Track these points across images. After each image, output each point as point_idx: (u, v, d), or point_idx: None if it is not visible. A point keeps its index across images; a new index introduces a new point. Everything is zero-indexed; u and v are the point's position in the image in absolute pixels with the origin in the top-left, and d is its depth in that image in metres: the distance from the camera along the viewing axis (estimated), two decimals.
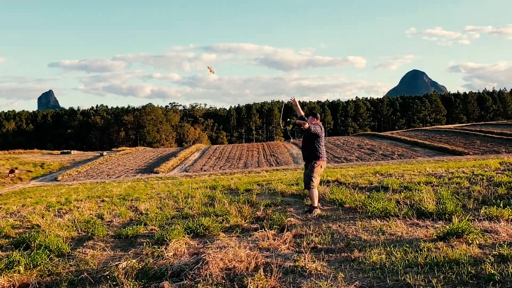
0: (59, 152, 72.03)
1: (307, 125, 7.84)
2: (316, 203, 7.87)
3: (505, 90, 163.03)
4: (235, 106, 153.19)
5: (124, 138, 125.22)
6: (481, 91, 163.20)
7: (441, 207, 6.88)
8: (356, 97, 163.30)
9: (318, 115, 8.38)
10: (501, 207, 6.59)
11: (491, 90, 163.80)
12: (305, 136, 8.20)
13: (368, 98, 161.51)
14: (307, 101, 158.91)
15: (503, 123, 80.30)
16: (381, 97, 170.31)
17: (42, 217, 9.23)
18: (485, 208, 6.65)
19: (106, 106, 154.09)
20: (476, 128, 68.85)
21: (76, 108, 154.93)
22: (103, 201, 12.06)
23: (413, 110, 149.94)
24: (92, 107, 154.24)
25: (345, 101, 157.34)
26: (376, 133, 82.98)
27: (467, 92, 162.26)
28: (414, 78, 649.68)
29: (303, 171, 8.69)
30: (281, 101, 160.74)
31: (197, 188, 13.43)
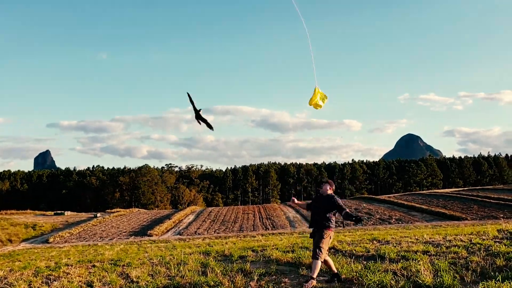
0: (52, 213, 71.11)
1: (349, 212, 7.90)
2: (315, 275, 7.64)
3: (500, 155, 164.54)
4: (231, 168, 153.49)
5: (119, 199, 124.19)
6: (476, 156, 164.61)
7: (438, 280, 6.71)
8: (353, 159, 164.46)
9: (334, 185, 8.42)
10: (499, 280, 6.44)
11: (486, 155, 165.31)
12: (322, 203, 8.09)
13: (365, 161, 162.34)
14: (304, 163, 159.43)
15: (500, 188, 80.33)
16: (377, 160, 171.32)
17: (29, 285, 8.94)
18: (483, 284, 6.48)
19: (102, 167, 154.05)
20: (473, 192, 68.76)
21: (72, 169, 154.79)
22: (94, 266, 11.74)
23: (409, 173, 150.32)
24: (88, 168, 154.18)
25: (341, 164, 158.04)
26: (373, 196, 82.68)
27: (463, 157, 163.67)
28: (409, 142, 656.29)
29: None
30: (277, 163, 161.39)
31: (190, 254, 13.14)
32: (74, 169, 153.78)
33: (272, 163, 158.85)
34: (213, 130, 14.74)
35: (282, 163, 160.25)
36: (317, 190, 8.92)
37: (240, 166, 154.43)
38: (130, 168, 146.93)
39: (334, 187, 8.36)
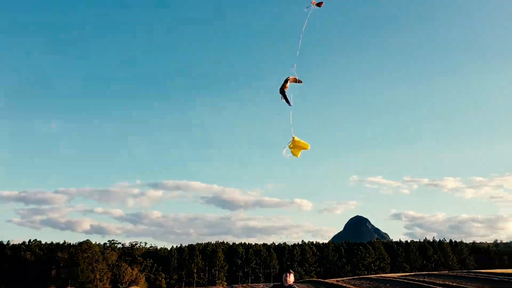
0: None
1: None
2: None
3: (445, 240, 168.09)
4: (177, 246, 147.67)
5: (54, 277, 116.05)
6: (422, 240, 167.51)
7: None
8: (302, 240, 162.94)
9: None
10: None
11: (431, 240, 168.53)
12: None
13: (314, 243, 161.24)
14: (253, 243, 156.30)
15: (445, 273, 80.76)
16: (327, 242, 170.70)
17: None
18: None
19: (40, 242, 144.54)
20: (419, 278, 68.59)
21: (5, 243, 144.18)
22: None
23: (357, 256, 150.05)
24: (24, 242, 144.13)
25: (291, 245, 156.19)
26: (322, 280, 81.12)
27: (409, 241, 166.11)
28: (358, 224, 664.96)
29: None
30: (226, 242, 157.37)
31: None
32: (8, 243, 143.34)
33: (220, 242, 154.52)
34: (290, 105, 14.17)
35: (231, 243, 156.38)
36: (278, 279, 8.36)
37: (187, 244, 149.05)
38: (70, 243, 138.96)
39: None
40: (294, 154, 13.50)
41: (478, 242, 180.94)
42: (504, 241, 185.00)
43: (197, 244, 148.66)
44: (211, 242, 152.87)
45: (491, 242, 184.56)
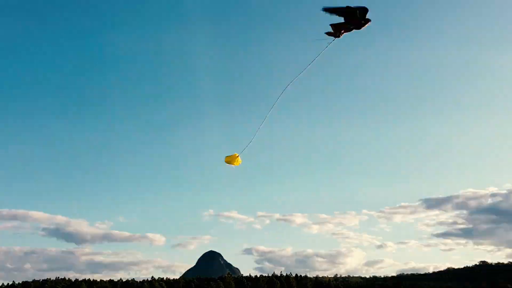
0: None
1: None
2: None
3: (291, 274, 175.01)
4: (8, 284, 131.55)
5: None
6: (270, 275, 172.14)
7: None
8: (152, 277, 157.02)
9: None
10: None
11: (279, 274, 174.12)
12: None
13: (165, 279, 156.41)
14: (98, 280, 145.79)
15: None
16: (178, 277, 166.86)
17: None
18: None
19: None
20: None
21: None
22: None
23: None
24: None
25: (140, 281, 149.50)
26: None
27: (259, 276, 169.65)
28: (210, 259, 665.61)
29: None
30: (67, 279, 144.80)
31: None
32: None
33: (61, 279, 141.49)
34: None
35: (73, 279, 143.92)
36: None
37: (21, 281, 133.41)
38: None
39: None
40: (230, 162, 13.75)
41: (320, 276, 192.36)
42: (343, 275, 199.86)
43: (33, 281, 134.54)
44: (50, 279, 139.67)
45: (332, 276, 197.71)
